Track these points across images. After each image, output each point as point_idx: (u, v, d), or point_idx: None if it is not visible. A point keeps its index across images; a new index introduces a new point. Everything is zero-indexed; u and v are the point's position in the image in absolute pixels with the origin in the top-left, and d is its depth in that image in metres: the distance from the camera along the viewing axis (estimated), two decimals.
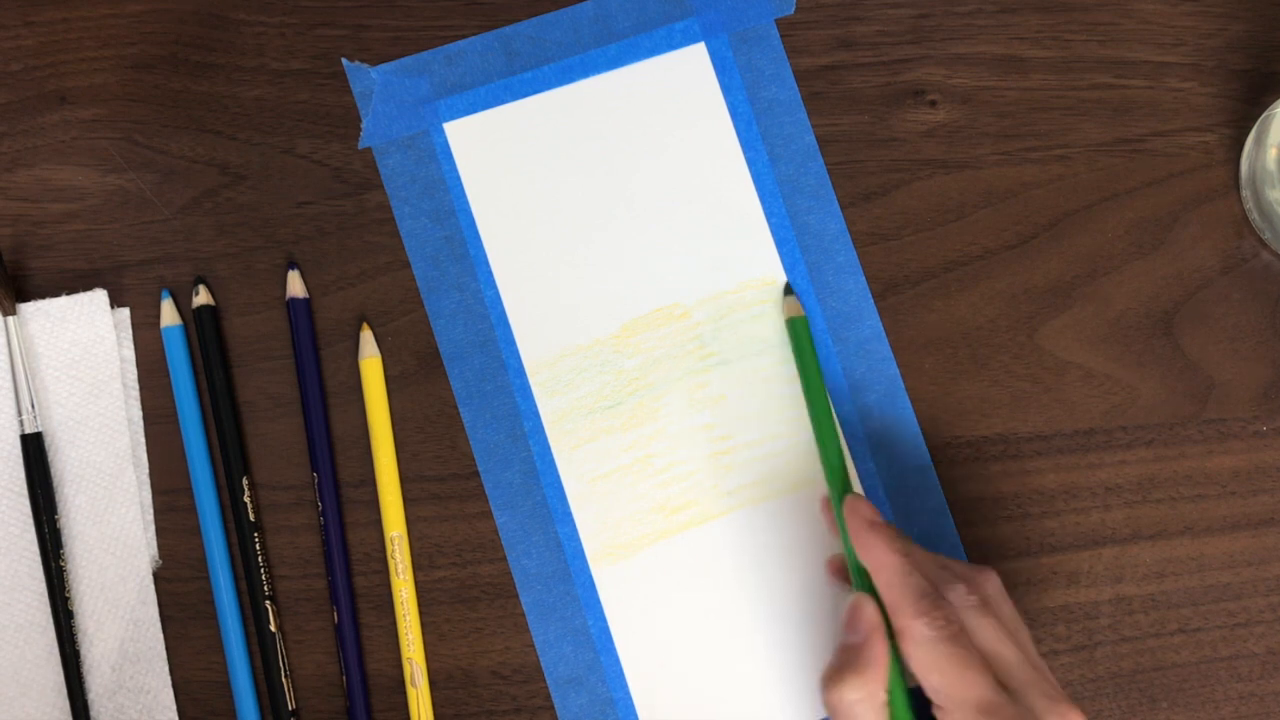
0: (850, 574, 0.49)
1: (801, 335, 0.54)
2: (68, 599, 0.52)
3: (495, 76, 0.56)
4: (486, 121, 0.56)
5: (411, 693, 0.53)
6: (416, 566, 0.54)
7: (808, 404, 0.53)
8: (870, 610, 0.47)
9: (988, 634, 0.45)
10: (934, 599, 0.46)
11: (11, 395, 0.53)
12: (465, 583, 0.54)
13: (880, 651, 0.46)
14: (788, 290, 0.54)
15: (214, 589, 0.53)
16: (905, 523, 0.54)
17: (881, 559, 0.47)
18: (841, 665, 0.46)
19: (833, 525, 0.51)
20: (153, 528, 0.54)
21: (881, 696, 0.45)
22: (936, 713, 0.44)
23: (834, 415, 0.53)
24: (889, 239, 0.56)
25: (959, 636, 0.45)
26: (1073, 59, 0.57)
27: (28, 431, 0.53)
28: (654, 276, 0.55)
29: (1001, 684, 0.44)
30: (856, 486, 0.53)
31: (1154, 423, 0.55)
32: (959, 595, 0.46)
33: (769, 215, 0.56)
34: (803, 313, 0.54)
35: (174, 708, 0.53)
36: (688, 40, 0.56)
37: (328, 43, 0.56)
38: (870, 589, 0.48)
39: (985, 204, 0.56)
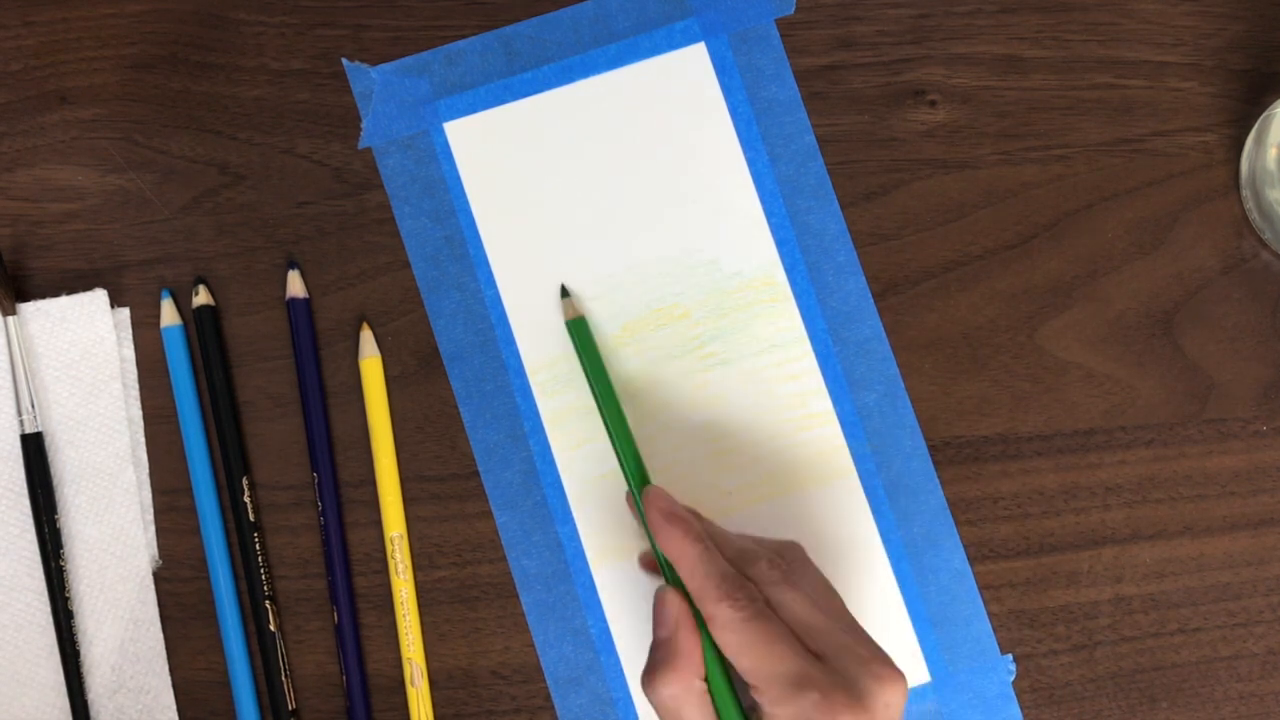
0: (660, 568, 0.49)
1: (583, 336, 0.52)
2: (68, 599, 0.52)
3: (495, 76, 0.56)
4: (486, 121, 0.56)
5: (411, 693, 0.53)
6: (416, 566, 0.54)
7: (598, 403, 0.52)
8: (674, 602, 0.46)
9: (794, 606, 0.45)
10: (735, 580, 0.45)
11: (11, 395, 0.53)
12: (465, 583, 0.54)
13: (690, 642, 0.45)
14: (564, 292, 0.53)
15: (214, 589, 0.53)
16: (905, 523, 0.54)
17: (680, 548, 0.46)
18: (655, 662, 0.46)
19: (638, 519, 0.50)
20: (153, 528, 0.54)
21: (699, 686, 0.45)
22: (753, 694, 0.44)
23: (622, 410, 0.52)
24: (889, 239, 0.56)
25: (764, 614, 0.44)
26: (1073, 59, 0.57)
27: (28, 431, 0.53)
28: (654, 276, 0.55)
29: (815, 653, 0.44)
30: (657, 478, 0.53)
31: (1154, 423, 0.55)
32: (761, 571, 0.46)
33: (769, 215, 0.56)
34: (582, 314, 0.53)
35: (174, 708, 0.53)
36: (688, 40, 0.56)
37: (328, 43, 0.56)
38: (678, 580, 0.47)
39: (985, 204, 0.56)
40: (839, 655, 0.44)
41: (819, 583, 0.47)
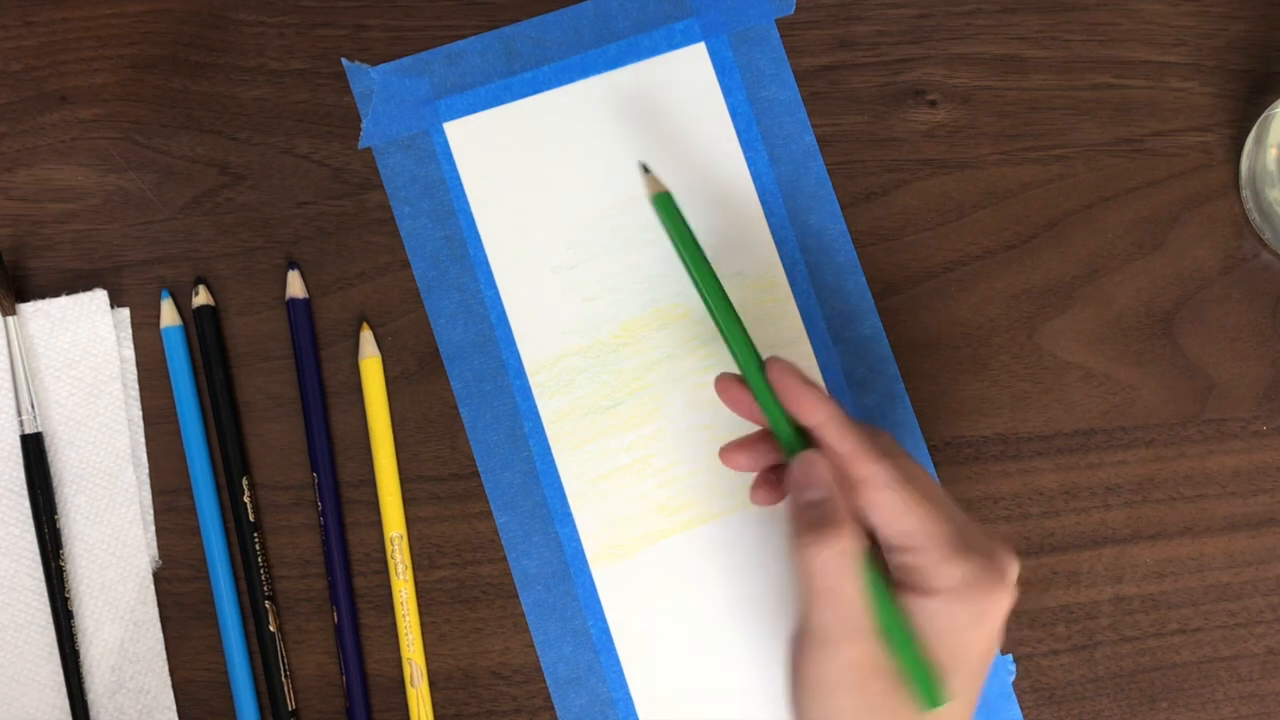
0: (779, 441, 0.46)
1: (671, 211, 0.48)
2: (68, 599, 0.52)
3: (495, 76, 0.56)
4: (486, 121, 0.56)
5: (411, 693, 0.53)
6: (416, 566, 0.54)
7: (695, 281, 0.47)
8: (824, 464, 0.43)
9: (924, 479, 0.44)
10: (882, 446, 0.44)
11: (11, 395, 0.53)
12: (465, 583, 0.54)
13: (845, 505, 0.42)
14: (646, 169, 0.49)
15: (214, 589, 0.53)
16: None
17: (827, 411, 0.44)
18: (814, 522, 0.42)
19: (734, 403, 0.47)
20: (153, 528, 0.54)
21: (858, 549, 0.42)
22: (909, 557, 0.42)
23: (723, 286, 0.47)
24: (889, 239, 0.56)
25: (917, 478, 0.43)
26: (1073, 59, 0.57)
27: (28, 432, 0.53)
28: (654, 276, 0.55)
29: None
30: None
31: (1154, 423, 0.55)
32: (886, 443, 0.44)
33: (769, 215, 0.56)
34: (667, 188, 0.48)
35: (174, 708, 0.53)
36: (688, 40, 0.56)
37: (328, 43, 0.56)
38: (796, 451, 0.45)
39: (985, 204, 0.56)
40: (971, 528, 0.42)
41: (922, 466, 0.45)
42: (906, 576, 0.42)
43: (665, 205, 0.48)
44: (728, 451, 0.48)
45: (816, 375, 0.55)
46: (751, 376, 0.46)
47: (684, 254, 0.48)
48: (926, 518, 0.42)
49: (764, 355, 0.46)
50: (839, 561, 0.42)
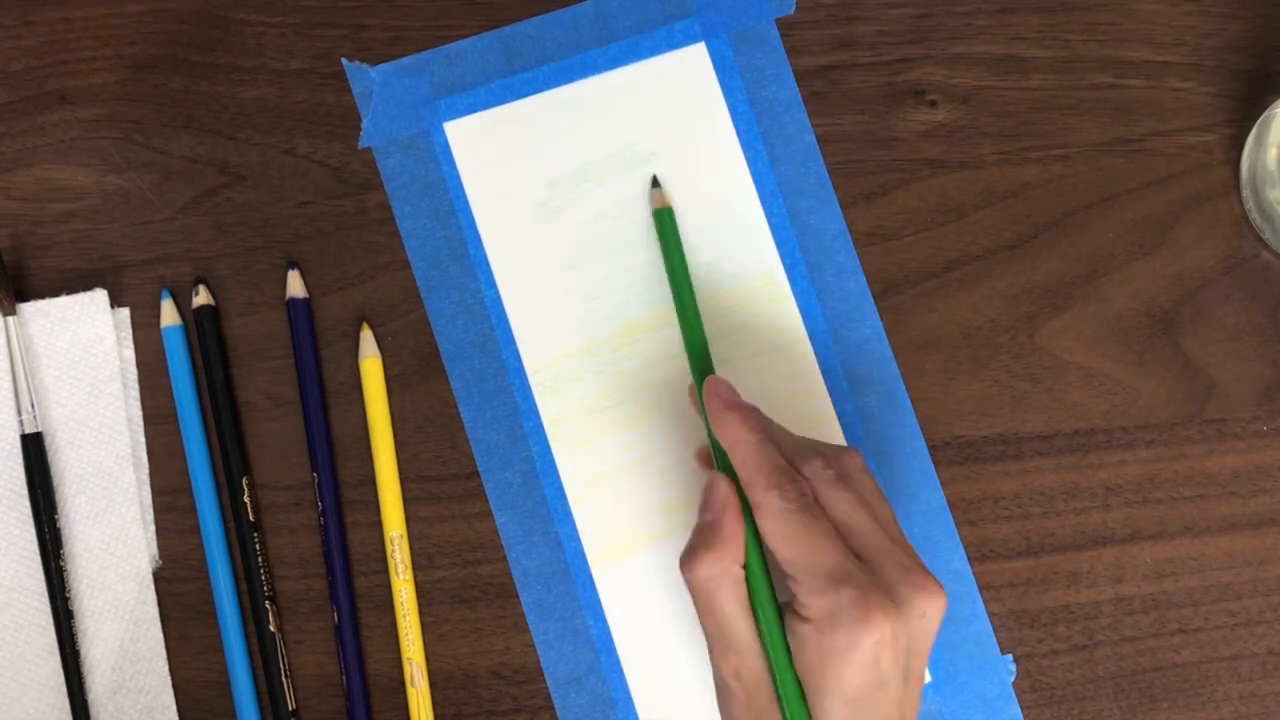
0: (713, 457, 0.49)
1: (668, 226, 0.54)
2: (68, 599, 0.52)
3: (495, 76, 0.56)
4: (486, 121, 0.56)
5: (411, 693, 0.53)
6: (416, 566, 0.54)
7: (673, 291, 0.53)
8: (723, 488, 0.46)
9: (843, 506, 0.45)
10: (787, 473, 0.45)
11: (11, 395, 0.53)
12: (465, 583, 0.54)
13: (733, 527, 0.46)
14: (655, 183, 0.55)
15: (214, 589, 0.53)
16: (905, 523, 0.54)
17: (736, 435, 0.47)
18: (696, 544, 0.46)
19: (699, 411, 0.51)
20: (153, 528, 0.54)
21: (736, 571, 0.45)
22: (790, 584, 0.44)
23: (697, 303, 0.53)
24: (889, 239, 0.56)
25: (811, 508, 0.45)
26: (1073, 59, 0.57)
27: (28, 431, 0.53)
28: (654, 276, 0.55)
29: (857, 555, 0.44)
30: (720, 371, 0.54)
31: (1154, 423, 0.55)
32: (815, 469, 0.46)
33: (769, 215, 0.56)
34: (670, 204, 0.54)
35: (174, 708, 0.53)
36: (688, 40, 0.56)
37: (328, 43, 0.56)
38: (731, 469, 0.47)
39: (985, 204, 0.56)
40: (880, 559, 0.44)
41: (872, 490, 0.46)
42: (790, 599, 0.45)
43: (666, 221, 0.54)
44: (698, 454, 0.52)
45: (816, 375, 0.55)
46: (699, 395, 0.50)
47: (671, 268, 0.53)
48: (804, 549, 0.44)
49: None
50: (717, 580, 0.45)
